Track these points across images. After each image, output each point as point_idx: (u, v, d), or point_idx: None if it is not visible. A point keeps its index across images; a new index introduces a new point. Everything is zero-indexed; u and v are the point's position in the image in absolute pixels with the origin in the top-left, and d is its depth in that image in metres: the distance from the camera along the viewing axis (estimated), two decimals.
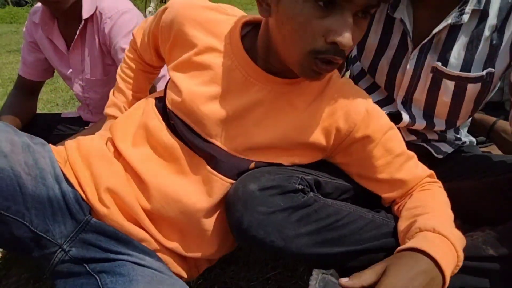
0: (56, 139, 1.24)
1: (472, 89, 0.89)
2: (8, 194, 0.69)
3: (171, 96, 0.81)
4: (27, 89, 1.45)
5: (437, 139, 1.00)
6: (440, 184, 0.83)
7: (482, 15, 0.83)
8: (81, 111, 1.49)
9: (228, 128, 0.78)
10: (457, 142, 1.02)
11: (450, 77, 0.88)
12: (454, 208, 0.77)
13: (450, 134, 1.01)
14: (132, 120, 0.87)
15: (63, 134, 1.46)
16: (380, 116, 0.79)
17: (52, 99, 2.95)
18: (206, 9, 0.81)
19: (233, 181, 0.78)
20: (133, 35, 1.00)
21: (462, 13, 0.82)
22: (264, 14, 0.70)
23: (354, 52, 1.01)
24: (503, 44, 0.85)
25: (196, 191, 0.78)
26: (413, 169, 0.81)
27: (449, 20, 0.83)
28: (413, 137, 0.98)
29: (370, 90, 0.98)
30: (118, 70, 1.05)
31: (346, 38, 0.61)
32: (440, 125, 0.96)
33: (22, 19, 10.18)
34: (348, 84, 0.81)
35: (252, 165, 0.79)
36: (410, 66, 0.90)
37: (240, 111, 0.77)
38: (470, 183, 0.90)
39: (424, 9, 0.87)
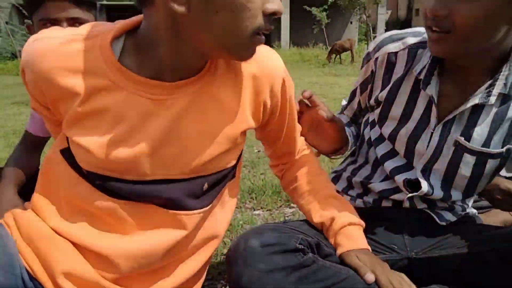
0: None
1: (492, 164, 0.92)
2: None
3: (81, 158, 0.71)
4: (32, 144, 1.47)
5: (444, 208, 1.01)
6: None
7: (505, 97, 0.87)
8: None
9: (162, 156, 0.71)
10: (461, 213, 1.03)
11: (472, 152, 0.90)
12: (456, 276, 0.76)
13: (458, 206, 1.02)
14: (51, 191, 0.78)
15: None
16: (289, 78, 0.85)
17: None
18: (63, 46, 0.67)
19: (199, 210, 0.78)
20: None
21: (489, 94, 0.85)
22: (181, 11, 0.60)
23: (372, 117, 1.03)
24: None
25: (163, 235, 0.75)
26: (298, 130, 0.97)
27: (476, 100, 0.86)
28: (424, 205, 0.99)
29: (390, 155, 1.00)
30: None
31: (279, 4, 0.65)
32: (456, 196, 0.97)
33: None
34: (263, 54, 0.78)
35: (205, 186, 0.77)
36: (434, 140, 0.92)
37: (164, 134, 0.70)
38: (471, 252, 0.90)
39: (450, 87, 0.90)
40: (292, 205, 1.90)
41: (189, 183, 0.76)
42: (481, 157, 0.91)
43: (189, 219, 0.77)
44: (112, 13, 20.72)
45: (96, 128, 0.69)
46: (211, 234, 0.84)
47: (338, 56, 12.90)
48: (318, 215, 0.90)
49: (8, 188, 1.27)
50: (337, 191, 1.13)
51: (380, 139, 1.01)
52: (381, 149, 1.01)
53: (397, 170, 0.98)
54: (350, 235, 0.85)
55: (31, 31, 1.26)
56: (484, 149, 0.90)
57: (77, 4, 1.19)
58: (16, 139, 3.42)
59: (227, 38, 0.64)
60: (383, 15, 19.43)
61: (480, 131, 0.89)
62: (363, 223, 0.89)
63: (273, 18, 0.65)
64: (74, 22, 1.20)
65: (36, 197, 0.79)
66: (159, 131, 0.70)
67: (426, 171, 0.96)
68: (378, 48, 0.98)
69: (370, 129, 1.05)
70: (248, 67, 0.76)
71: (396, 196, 0.99)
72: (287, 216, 1.78)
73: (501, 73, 0.84)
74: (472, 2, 0.72)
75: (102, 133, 0.69)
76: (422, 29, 0.96)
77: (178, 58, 0.67)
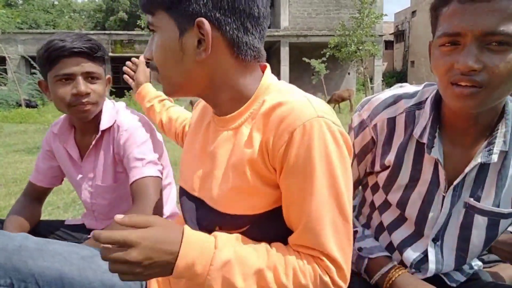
0: None
1: (504, 224, 0.90)
2: None
3: None
4: (35, 195, 1.47)
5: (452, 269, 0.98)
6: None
7: (506, 154, 0.86)
8: (86, 218, 1.49)
9: (202, 177, 0.82)
10: (468, 271, 1.00)
11: (483, 212, 0.88)
12: None
13: (466, 265, 0.99)
14: None
15: (65, 242, 1.45)
16: (306, 140, 0.67)
17: (54, 201, 2.95)
18: None
19: None
20: None
21: (490, 153, 0.84)
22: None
23: (373, 180, 1.01)
24: None
25: None
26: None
27: (479, 160, 0.85)
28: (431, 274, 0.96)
29: (397, 223, 0.97)
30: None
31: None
32: (468, 261, 0.94)
33: (32, 120, 10.64)
34: (289, 103, 0.70)
35: (217, 228, 0.76)
36: (446, 205, 0.90)
37: (209, 158, 0.80)
38: None
39: (451, 147, 0.89)
40: None
41: (208, 214, 0.79)
42: (493, 218, 0.89)
43: None
44: (116, 64, 21.40)
45: (187, 146, 0.92)
46: None
47: (337, 105, 13.18)
48: None
49: None
50: None
51: (386, 205, 0.99)
52: (388, 216, 0.98)
53: (405, 243, 0.95)
54: None
55: (42, 86, 1.30)
56: (496, 209, 0.88)
57: (92, 59, 1.25)
58: (16, 188, 3.41)
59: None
60: (380, 66, 20.04)
61: (488, 191, 0.88)
62: None
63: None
64: (89, 76, 1.25)
65: None
66: (207, 155, 0.81)
67: (438, 240, 0.93)
68: (373, 115, 0.95)
69: (373, 194, 1.02)
70: (273, 113, 0.71)
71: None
72: None
73: (498, 131, 0.84)
74: (507, 55, 0.73)
75: (185, 154, 0.92)
76: (411, 90, 0.95)
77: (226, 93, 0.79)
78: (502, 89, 0.76)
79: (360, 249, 0.93)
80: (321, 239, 0.70)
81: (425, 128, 0.88)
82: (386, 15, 17.06)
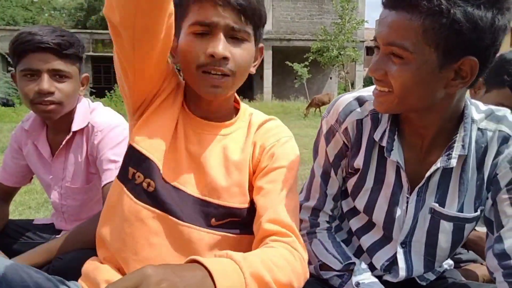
0: (27, 247, 1.21)
1: (469, 227, 0.91)
2: None
3: None
4: (2, 195, 1.42)
5: None
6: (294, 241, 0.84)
7: (465, 159, 0.87)
8: (55, 218, 1.45)
9: (192, 174, 0.89)
10: (439, 269, 1.01)
11: (448, 218, 0.89)
12: None
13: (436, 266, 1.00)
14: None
15: (33, 242, 1.40)
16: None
17: (25, 201, 2.88)
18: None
19: (202, 228, 0.85)
20: None
21: (449, 157, 0.85)
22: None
23: (344, 186, 1.01)
24: (485, 183, 0.88)
25: (171, 250, 0.84)
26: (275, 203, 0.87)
27: (439, 164, 0.86)
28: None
29: (366, 229, 0.97)
30: None
31: (217, 48, 0.80)
32: (437, 265, 0.96)
33: (7, 119, 10.35)
34: (272, 127, 0.97)
35: (213, 220, 0.86)
36: (410, 209, 0.90)
37: (194, 158, 0.89)
38: None
39: (410, 151, 0.90)
40: None
41: (204, 203, 0.88)
42: (458, 223, 0.89)
43: (186, 231, 0.86)
44: (97, 64, 21.04)
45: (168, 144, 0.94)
46: None
47: (318, 109, 13.30)
48: None
49: None
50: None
51: (354, 211, 0.99)
52: (356, 222, 0.99)
53: (375, 246, 0.96)
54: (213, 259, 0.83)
55: (15, 80, 1.26)
56: (460, 215, 0.89)
57: (61, 56, 1.20)
58: None
59: (186, 77, 0.89)
60: (361, 72, 20.31)
61: (452, 196, 0.89)
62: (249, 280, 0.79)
63: (218, 59, 0.82)
64: (55, 74, 1.20)
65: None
66: (192, 157, 0.89)
67: (406, 245, 0.94)
68: (342, 119, 0.94)
69: (342, 199, 1.02)
70: (263, 125, 0.96)
71: (374, 273, 0.94)
72: None
73: (457, 135, 0.85)
74: (402, 66, 0.76)
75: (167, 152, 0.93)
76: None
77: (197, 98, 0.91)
78: (408, 96, 0.79)
79: (358, 284, 0.90)
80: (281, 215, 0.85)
81: (384, 131, 0.89)
82: (367, 21, 17.35)
